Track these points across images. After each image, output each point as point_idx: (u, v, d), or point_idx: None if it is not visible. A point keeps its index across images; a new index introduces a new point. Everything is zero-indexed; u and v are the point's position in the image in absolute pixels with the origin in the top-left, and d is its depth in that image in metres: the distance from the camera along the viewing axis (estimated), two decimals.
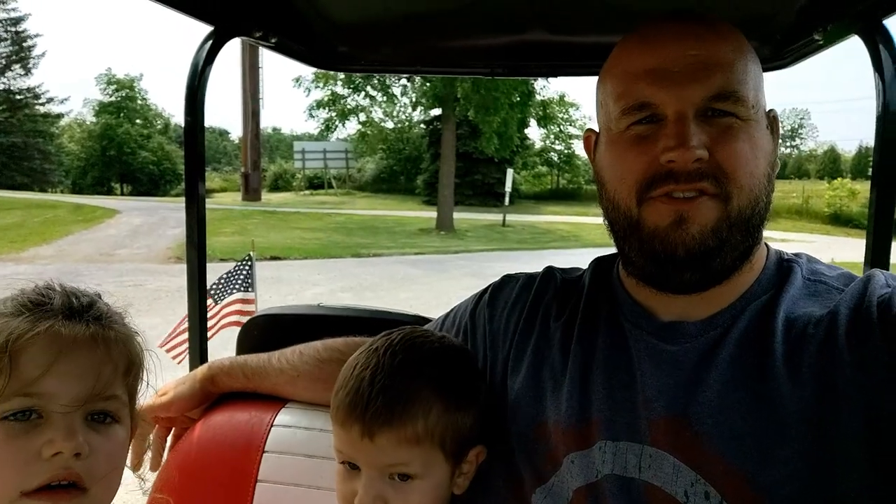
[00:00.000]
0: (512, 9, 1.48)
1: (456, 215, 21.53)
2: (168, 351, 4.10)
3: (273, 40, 1.61)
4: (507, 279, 1.15)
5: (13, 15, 36.43)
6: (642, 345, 0.91)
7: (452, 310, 1.20)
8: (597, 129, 0.99)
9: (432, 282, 11.42)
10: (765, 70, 1.56)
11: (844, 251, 14.40)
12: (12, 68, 37.16)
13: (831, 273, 0.91)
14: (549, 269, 1.12)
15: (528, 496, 0.92)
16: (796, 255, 0.94)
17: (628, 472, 0.85)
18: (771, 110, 0.91)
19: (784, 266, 0.92)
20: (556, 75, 2.02)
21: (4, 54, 36.98)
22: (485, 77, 2.18)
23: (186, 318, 4.44)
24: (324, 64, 1.93)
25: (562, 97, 28.77)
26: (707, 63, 0.84)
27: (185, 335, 4.04)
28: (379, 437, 0.88)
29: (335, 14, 1.56)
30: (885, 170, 1.34)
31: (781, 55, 1.62)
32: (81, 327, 0.80)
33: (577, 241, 19.44)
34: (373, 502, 0.88)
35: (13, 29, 36.78)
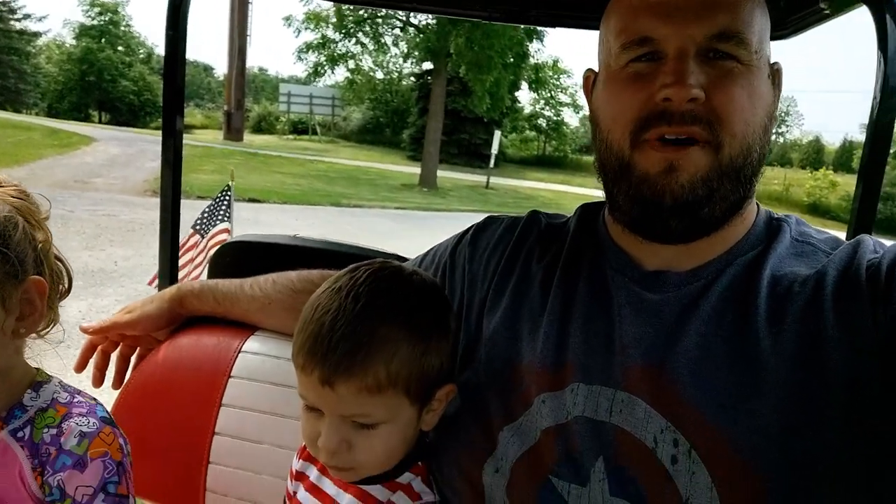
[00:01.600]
0: None
1: (440, 173, 21.39)
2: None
3: None
4: (491, 220, 1.13)
5: None
6: (623, 292, 0.90)
7: (432, 249, 1.18)
8: (596, 70, 0.96)
9: (412, 237, 11.37)
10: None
11: None
12: None
13: (819, 236, 0.90)
14: (534, 213, 1.11)
15: (496, 433, 0.92)
16: (786, 215, 0.94)
17: (599, 415, 0.84)
18: (775, 63, 0.89)
19: (773, 224, 0.91)
20: (555, 25, 1.96)
21: None
22: (483, 21, 2.11)
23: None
24: None
25: (555, 62, 28.54)
26: (712, 1, 0.82)
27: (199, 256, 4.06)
28: (338, 386, 0.84)
29: None
30: (873, 162, 1.33)
31: (784, 24, 1.59)
32: None
33: (558, 208, 19.14)
34: (337, 446, 0.87)
35: None
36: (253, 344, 1.21)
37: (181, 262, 4.12)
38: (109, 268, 7.00)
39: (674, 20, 0.81)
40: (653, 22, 0.83)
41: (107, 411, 0.95)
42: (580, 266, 0.96)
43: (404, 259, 1.30)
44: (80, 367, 1.23)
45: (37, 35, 40.27)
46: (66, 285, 0.99)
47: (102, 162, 16.37)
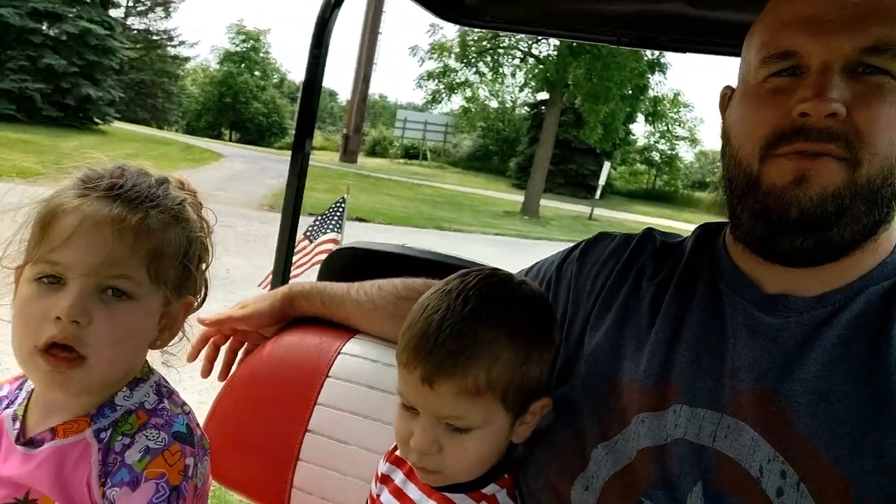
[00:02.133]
0: None
1: (543, 202, 21.27)
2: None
3: None
4: (602, 236, 1.11)
5: None
6: (740, 314, 0.85)
7: (538, 262, 1.17)
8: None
9: (508, 264, 11.28)
10: None
11: None
12: (154, 10, 39.51)
13: None
14: (650, 230, 1.08)
15: (589, 450, 0.88)
16: None
17: (701, 439, 0.80)
18: None
19: None
20: (686, 51, 1.90)
21: None
22: (610, 45, 2.09)
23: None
24: (450, 16, 1.90)
25: (676, 95, 27.72)
26: (867, 11, 0.76)
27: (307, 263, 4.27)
28: (439, 386, 0.84)
29: None
30: None
31: None
32: (107, 207, 0.84)
33: None
34: (429, 448, 0.86)
35: None
36: (353, 346, 1.23)
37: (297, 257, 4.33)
38: (221, 275, 7.42)
39: (820, 33, 0.77)
40: (798, 35, 0.79)
41: (187, 423, 0.90)
42: (695, 285, 0.92)
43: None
44: (193, 356, 1.29)
45: (187, 59, 44.28)
46: (201, 301, 1.02)
47: (227, 177, 17.55)
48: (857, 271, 0.81)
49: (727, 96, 0.93)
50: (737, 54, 1.65)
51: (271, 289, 1.51)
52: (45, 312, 0.82)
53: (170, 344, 0.98)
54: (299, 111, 1.56)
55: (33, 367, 0.83)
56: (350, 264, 1.44)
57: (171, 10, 39.71)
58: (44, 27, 21.75)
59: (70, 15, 21.99)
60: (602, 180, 21.94)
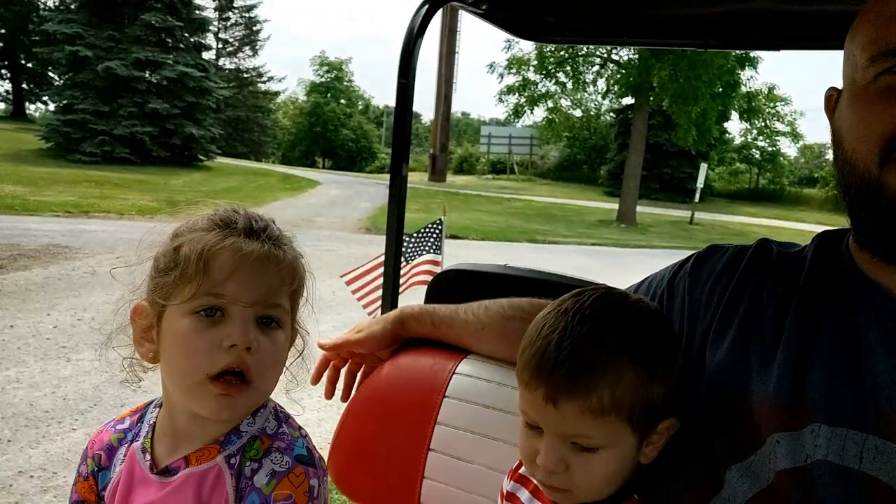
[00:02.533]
0: None
1: (639, 209, 20.73)
2: (347, 283, 4.42)
3: (483, 7, 1.64)
4: (714, 249, 1.07)
5: (248, 2, 41.13)
6: (874, 326, 0.81)
7: (647, 278, 1.14)
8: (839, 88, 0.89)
9: (608, 275, 11.06)
10: None
11: None
12: (243, 49, 42.09)
13: None
14: (764, 241, 1.03)
15: (722, 472, 0.86)
16: None
17: (845, 461, 0.76)
18: None
19: None
20: (776, 48, 1.83)
21: (238, 37, 41.97)
22: (698, 49, 2.04)
23: (367, 263, 4.69)
24: (529, 34, 1.93)
25: (771, 89, 26.34)
26: None
27: (365, 277, 4.37)
28: (562, 405, 0.84)
29: None
30: None
31: None
32: (258, 245, 0.93)
33: None
34: (555, 466, 0.86)
35: (246, 14, 41.57)
36: (466, 367, 1.26)
37: (374, 284, 4.41)
38: (328, 297, 7.73)
39: None
40: None
41: (307, 446, 0.95)
42: (820, 297, 0.88)
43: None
44: (316, 379, 1.37)
45: (276, 94, 46.65)
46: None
47: (324, 203, 18.28)
48: None
49: (833, 98, 0.90)
50: (831, 47, 1.58)
51: (382, 311, 1.59)
52: (216, 342, 0.89)
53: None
54: (393, 137, 1.62)
55: (203, 394, 0.90)
56: (456, 285, 1.48)
57: (257, 48, 42.15)
58: (146, 75, 23.56)
59: (168, 61, 23.80)
60: (700, 182, 21.12)
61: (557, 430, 0.86)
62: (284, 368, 1.02)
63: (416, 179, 28.85)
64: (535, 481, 0.94)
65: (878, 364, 0.78)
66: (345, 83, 49.93)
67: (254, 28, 42.09)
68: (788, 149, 33.40)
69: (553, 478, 0.88)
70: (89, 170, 19.48)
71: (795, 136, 31.75)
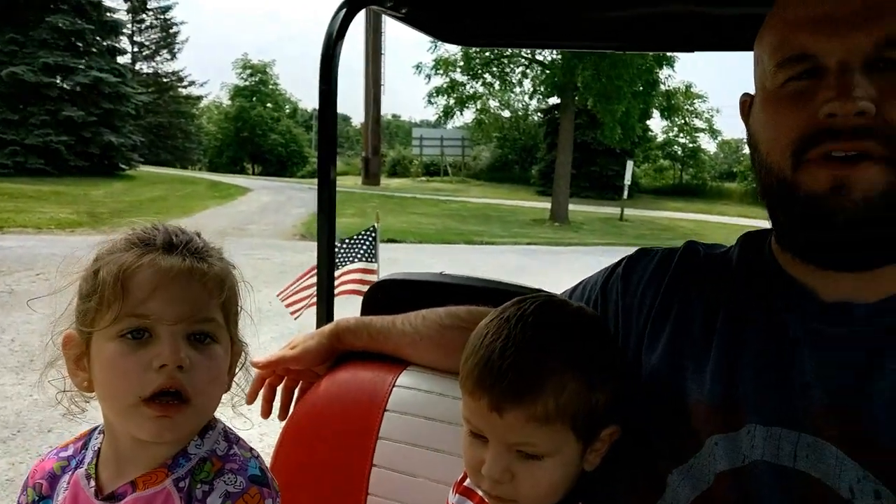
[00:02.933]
0: None
1: (571, 207, 21.17)
2: (283, 301, 4.35)
3: (403, 10, 1.62)
4: (643, 252, 1.09)
5: (162, 3, 39.70)
6: (800, 326, 0.83)
7: (581, 283, 1.16)
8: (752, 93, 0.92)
9: (543, 273, 11.29)
10: None
11: None
12: (160, 53, 40.59)
13: None
14: (691, 243, 1.05)
15: (664, 476, 0.87)
16: None
17: (781, 459, 0.78)
18: None
19: None
20: (691, 49, 1.89)
21: (154, 40, 40.45)
22: (617, 51, 2.10)
23: (300, 279, 4.62)
24: (451, 37, 1.93)
25: (688, 87, 27.47)
26: (879, 4, 0.75)
27: (299, 293, 4.28)
28: (507, 413, 0.84)
29: None
30: None
31: None
32: (178, 259, 0.91)
33: (700, 238, 17.94)
34: (500, 475, 0.86)
35: (162, 17, 40.10)
36: (406, 379, 1.25)
37: (307, 292, 4.36)
38: (265, 308, 7.53)
39: (834, 32, 0.76)
40: (811, 36, 0.78)
41: (260, 467, 0.94)
42: (747, 298, 0.90)
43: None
44: (252, 398, 1.33)
45: (199, 99, 45.19)
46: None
47: (256, 210, 17.86)
48: None
49: (747, 104, 0.92)
50: (742, 48, 1.65)
51: (317, 324, 1.55)
52: (145, 363, 0.86)
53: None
54: (319, 145, 1.59)
55: (140, 418, 0.87)
56: (392, 296, 1.46)
57: (175, 51, 40.67)
58: (58, 81, 22.45)
59: (80, 66, 22.72)
60: (627, 180, 21.77)
61: (503, 439, 0.86)
62: (232, 381, 1.01)
63: (350, 183, 28.56)
64: (481, 493, 0.94)
65: (804, 363, 0.80)
66: (270, 86, 48.88)
67: (170, 31, 40.60)
68: (708, 145, 34.92)
69: (499, 488, 0.87)
70: (0, 182, 18.36)
71: (713, 132, 33.20)
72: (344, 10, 1.54)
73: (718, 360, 0.87)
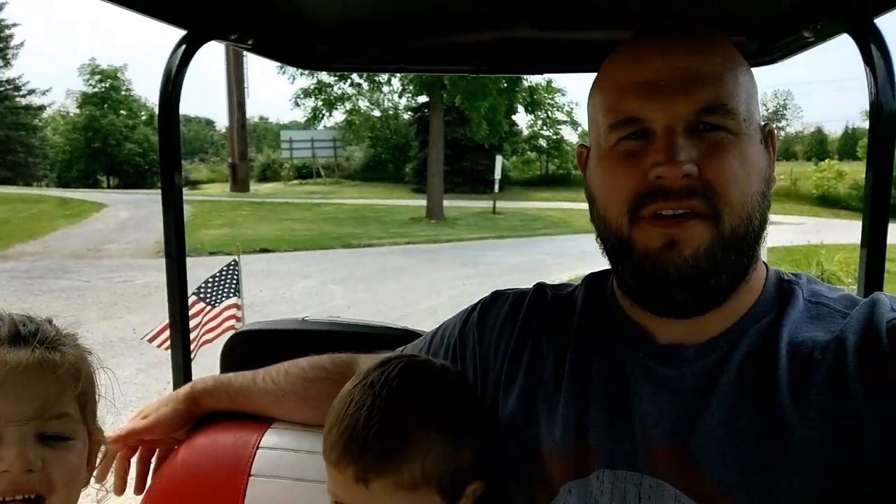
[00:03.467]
0: (497, 5, 1.44)
1: (446, 203, 21.48)
2: (158, 346, 4.10)
3: (250, 42, 1.56)
4: (497, 296, 1.11)
5: None
6: (639, 368, 0.88)
7: (441, 326, 1.16)
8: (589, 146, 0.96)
9: (424, 272, 11.40)
10: (754, 65, 1.54)
11: (833, 233, 14.49)
12: None
13: (832, 295, 0.88)
14: (540, 286, 1.09)
15: None
16: (795, 275, 0.92)
17: (627, 502, 0.82)
18: (766, 124, 0.88)
19: (784, 287, 0.89)
20: (540, 72, 1.97)
21: None
22: (470, 75, 2.14)
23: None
24: (304, 63, 1.88)
25: (549, 83, 28.65)
26: (695, 75, 0.81)
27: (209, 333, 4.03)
28: (374, 484, 0.84)
29: (314, 13, 1.51)
30: (880, 160, 1.33)
31: (771, 50, 1.60)
32: (27, 353, 0.84)
33: (567, 226, 19.48)
34: None
35: None
36: (271, 438, 1.19)
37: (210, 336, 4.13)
38: (128, 336, 7.04)
39: (658, 98, 0.81)
40: (639, 101, 0.82)
41: None
42: (592, 342, 0.94)
43: (415, 334, 1.29)
44: (102, 476, 1.22)
45: (41, 108, 41.18)
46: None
47: (114, 227, 16.61)
48: (737, 313, 0.86)
49: (583, 155, 0.96)
50: (585, 70, 1.74)
51: (174, 384, 1.45)
52: None
53: None
54: (162, 174, 1.47)
55: None
56: (252, 347, 1.40)
57: (9, 57, 36.85)
58: None
59: None
60: (497, 174, 22.39)
61: None
62: (91, 476, 0.97)
63: (218, 192, 27.32)
64: None
65: (644, 405, 0.85)
66: (123, 92, 45.59)
67: (1, 34, 36.77)
68: (570, 136, 36.58)
69: None
70: None
71: (574, 123, 34.90)
72: (184, 46, 1.44)
73: (567, 404, 0.90)
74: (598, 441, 0.86)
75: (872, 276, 1.33)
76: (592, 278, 1.04)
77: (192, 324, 4.06)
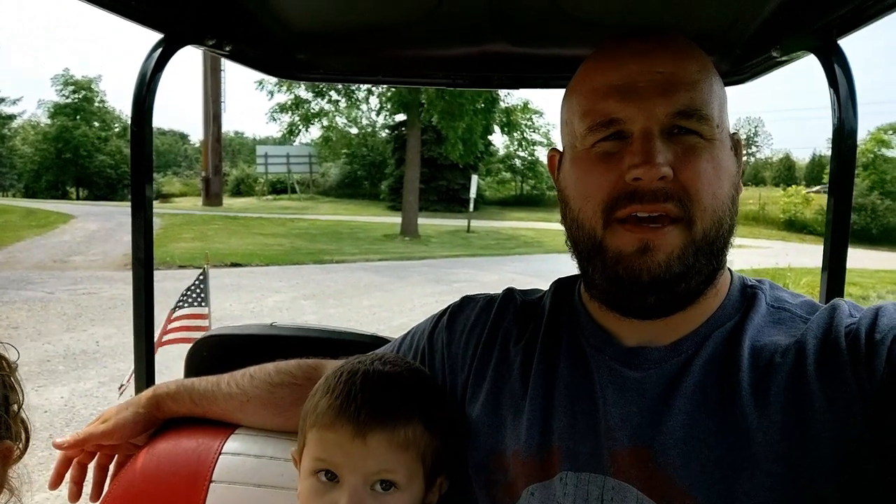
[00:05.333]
0: (474, 20, 1.45)
1: (420, 221, 21.49)
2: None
3: (227, 48, 1.55)
4: (467, 301, 1.11)
5: None
6: (605, 371, 0.88)
7: (410, 331, 1.16)
8: (560, 149, 0.97)
9: (396, 289, 11.35)
10: (724, 84, 1.58)
11: (800, 257, 14.82)
12: None
13: (794, 301, 0.89)
14: (510, 291, 1.09)
15: None
16: (759, 281, 0.93)
17: None
18: (735, 133, 0.90)
19: (748, 292, 0.90)
20: (518, 87, 2.01)
21: None
22: (447, 88, 2.15)
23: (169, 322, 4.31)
24: (282, 72, 1.88)
25: (525, 104, 28.98)
26: (672, 80, 0.83)
27: (171, 333, 3.98)
28: (372, 438, 0.87)
29: (293, 21, 1.51)
30: (842, 180, 1.36)
31: (740, 70, 1.64)
32: None
33: (540, 246, 19.60)
34: None
35: None
36: (234, 444, 1.17)
37: (171, 336, 4.06)
38: (91, 349, 6.87)
39: (637, 100, 0.83)
40: (617, 104, 0.84)
41: None
42: (559, 345, 0.94)
43: (384, 340, 1.28)
44: (56, 483, 1.18)
45: (11, 118, 40.48)
46: (22, 449, 0.92)
47: (81, 239, 16.27)
48: (703, 316, 0.87)
49: (556, 158, 0.97)
50: (557, 86, 1.76)
51: (136, 388, 1.42)
52: None
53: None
54: (133, 178, 1.44)
55: None
56: (218, 352, 1.37)
57: None
58: None
59: None
60: (473, 193, 22.50)
61: (362, 469, 0.87)
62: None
63: (190, 205, 26.96)
64: None
65: (610, 407, 0.85)
66: (96, 104, 44.96)
67: None
68: (545, 157, 36.96)
69: None
70: None
71: (549, 144, 35.29)
72: (160, 49, 1.42)
73: (533, 408, 0.90)
74: (563, 443, 0.86)
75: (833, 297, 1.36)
76: (560, 283, 1.05)
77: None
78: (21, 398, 0.90)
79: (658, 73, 0.83)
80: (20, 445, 0.91)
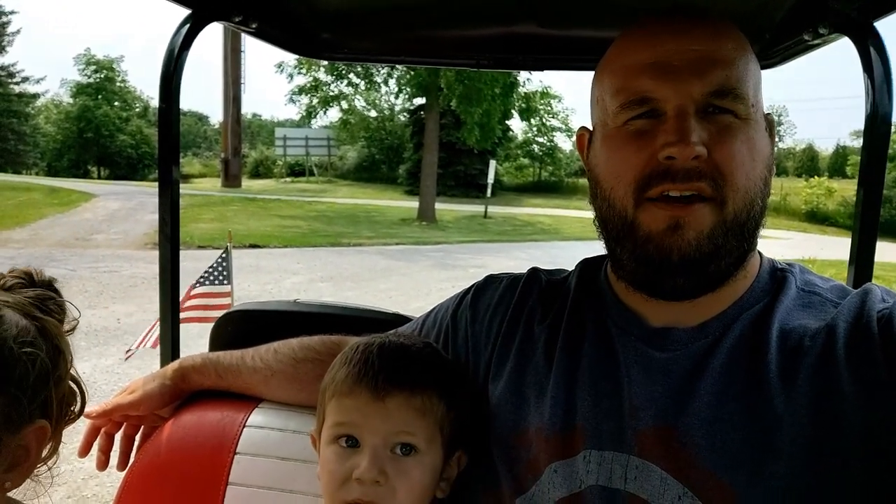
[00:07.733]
0: (501, 0, 1.44)
1: (438, 206, 21.48)
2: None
3: (253, 25, 1.55)
4: (491, 279, 1.11)
5: None
6: (631, 351, 0.88)
7: (433, 310, 1.16)
8: (590, 128, 0.96)
9: (412, 273, 11.38)
10: None
11: (821, 248, 14.62)
12: None
13: (825, 285, 0.88)
14: (534, 270, 1.09)
15: None
16: (789, 264, 0.92)
17: (613, 483, 0.82)
18: (768, 114, 0.89)
19: (778, 275, 0.89)
20: (543, 69, 1.98)
21: None
22: (470, 69, 2.14)
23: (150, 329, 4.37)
24: (306, 51, 1.88)
25: (545, 90, 28.76)
26: (708, 59, 0.81)
27: (188, 311, 4.03)
28: (391, 399, 0.88)
29: (319, 1, 1.51)
30: (873, 170, 1.34)
31: (770, 54, 1.61)
32: None
33: (557, 234, 19.53)
34: (377, 475, 0.87)
35: None
36: (257, 417, 1.18)
37: (189, 314, 4.11)
38: (112, 326, 6.98)
39: (672, 79, 0.81)
40: (651, 81, 0.83)
41: None
42: (584, 325, 0.94)
43: (406, 319, 1.29)
44: (85, 451, 1.21)
45: (35, 97, 40.86)
46: (78, 409, 0.90)
47: (102, 218, 16.48)
48: (731, 298, 0.86)
49: (585, 137, 0.96)
50: (586, 69, 1.75)
51: (161, 362, 1.44)
52: None
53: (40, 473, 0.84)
54: (160, 151, 1.45)
55: None
56: (242, 327, 1.39)
57: (3, 44, 36.50)
58: None
59: None
60: (490, 178, 22.42)
61: (381, 431, 0.89)
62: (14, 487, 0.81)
63: (210, 186, 27.15)
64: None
65: (635, 387, 0.85)
66: (118, 84, 45.31)
67: None
68: (564, 143, 36.70)
69: (373, 492, 0.87)
70: None
71: (569, 131, 35.00)
72: (188, 25, 1.43)
73: (557, 386, 0.90)
74: (586, 421, 0.86)
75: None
76: (586, 263, 1.04)
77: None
78: (70, 360, 0.87)
79: (693, 51, 0.82)
80: (76, 406, 0.90)
